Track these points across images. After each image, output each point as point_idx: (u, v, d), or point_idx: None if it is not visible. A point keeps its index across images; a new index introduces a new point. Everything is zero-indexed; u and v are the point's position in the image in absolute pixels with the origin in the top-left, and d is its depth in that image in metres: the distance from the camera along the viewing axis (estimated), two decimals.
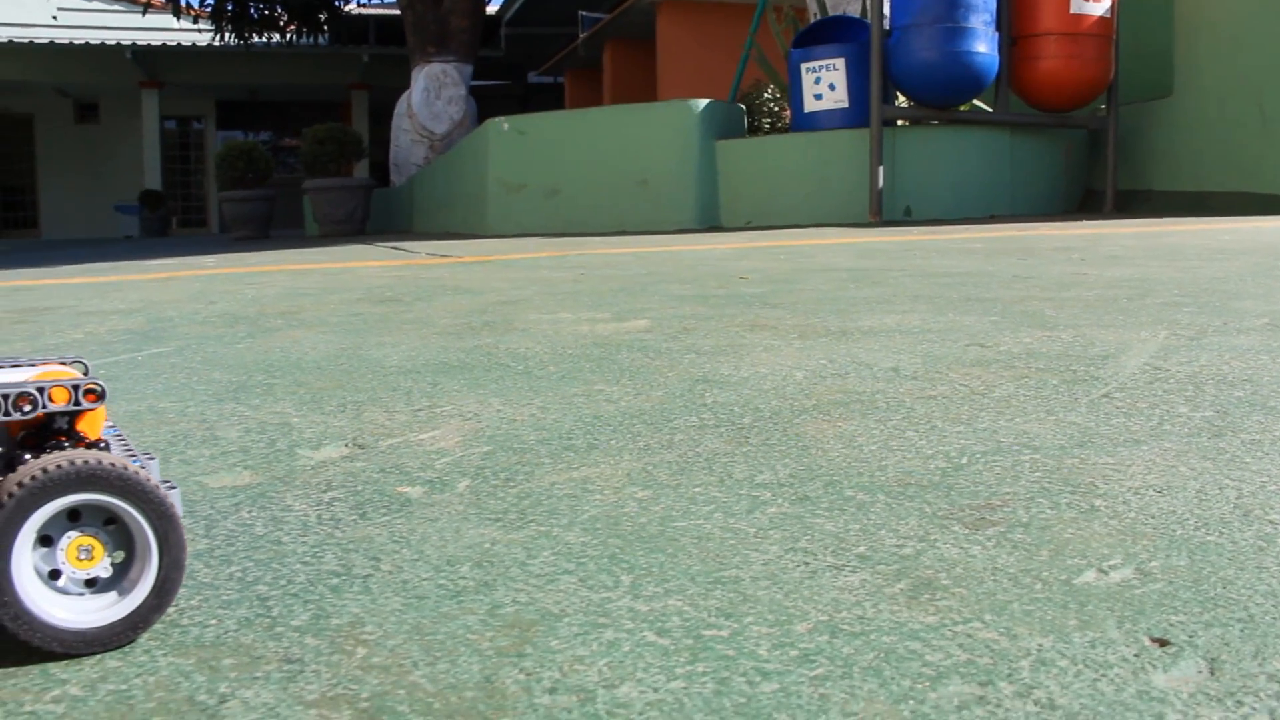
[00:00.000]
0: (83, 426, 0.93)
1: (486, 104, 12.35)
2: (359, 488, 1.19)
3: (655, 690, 0.69)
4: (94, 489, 0.77)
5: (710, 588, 0.87)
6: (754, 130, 8.20)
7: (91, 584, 0.79)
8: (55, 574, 0.78)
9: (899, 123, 7.50)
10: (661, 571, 0.91)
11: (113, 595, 0.79)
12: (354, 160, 12.22)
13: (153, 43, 17.19)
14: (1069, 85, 7.23)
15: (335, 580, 0.90)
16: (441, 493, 1.16)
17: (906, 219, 7.44)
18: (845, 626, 0.80)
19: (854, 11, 8.12)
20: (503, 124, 8.46)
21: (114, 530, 0.80)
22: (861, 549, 0.97)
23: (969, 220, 7.39)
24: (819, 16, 8.40)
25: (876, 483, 1.17)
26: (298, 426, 1.51)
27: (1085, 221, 6.74)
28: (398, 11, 13.69)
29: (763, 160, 7.64)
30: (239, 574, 0.92)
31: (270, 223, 12.47)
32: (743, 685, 0.70)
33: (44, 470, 0.76)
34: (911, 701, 0.68)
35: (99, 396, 0.89)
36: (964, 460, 1.26)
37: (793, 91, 7.61)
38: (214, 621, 0.82)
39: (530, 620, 0.81)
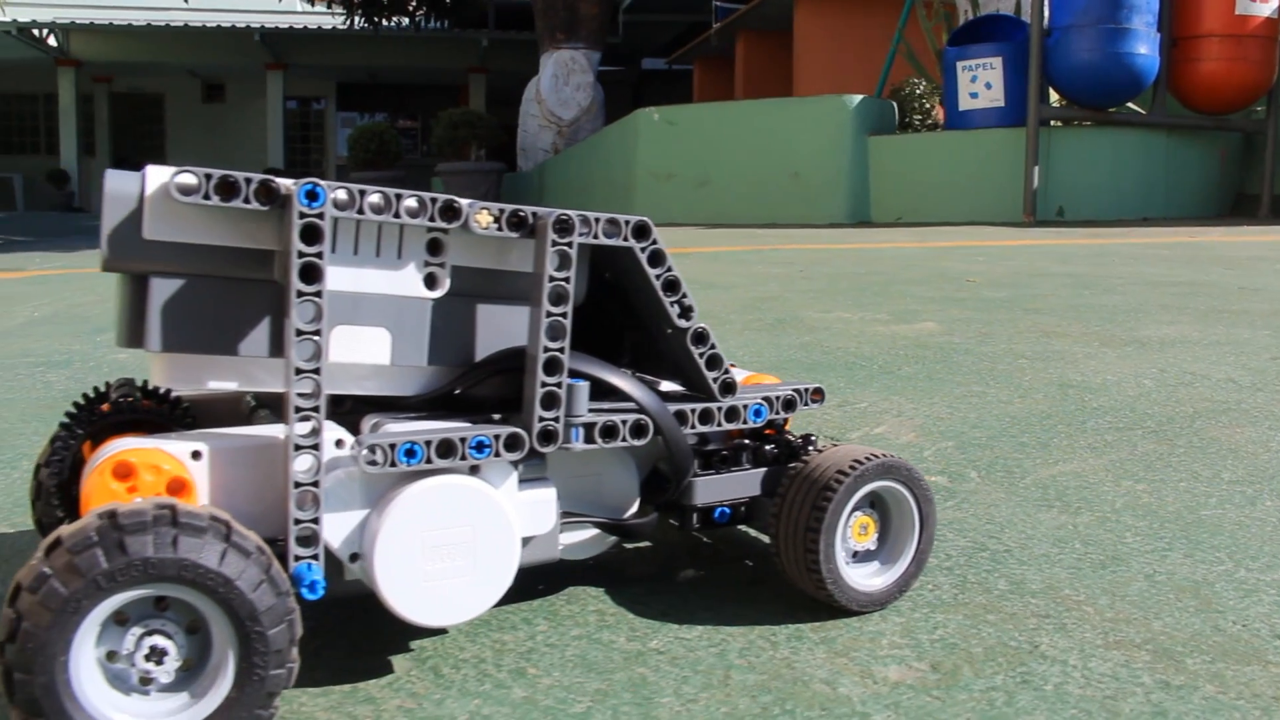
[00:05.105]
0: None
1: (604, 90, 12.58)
2: None
3: None
4: (889, 477, 0.98)
5: None
6: (904, 126, 8.36)
7: (855, 555, 1.00)
8: None
9: (1052, 122, 7.61)
10: (1243, 551, 1.13)
11: (875, 565, 1.00)
12: (483, 145, 12.55)
13: (279, 25, 17.69)
14: (1231, 88, 7.28)
15: (983, 554, 1.13)
16: (964, 482, 1.39)
17: (1060, 219, 7.55)
18: None
19: (1007, 9, 8.23)
20: (653, 114, 8.70)
21: (878, 511, 1.01)
22: None
23: (1123, 222, 7.47)
24: (970, 14, 8.52)
25: None
26: None
27: (1250, 227, 6.81)
28: None
29: (916, 157, 7.80)
30: None
31: None
32: None
33: (857, 461, 0.97)
34: None
35: (822, 397, 1.11)
36: None
37: (947, 89, 7.76)
38: (931, 588, 1.04)
39: (1191, 585, 1.03)
